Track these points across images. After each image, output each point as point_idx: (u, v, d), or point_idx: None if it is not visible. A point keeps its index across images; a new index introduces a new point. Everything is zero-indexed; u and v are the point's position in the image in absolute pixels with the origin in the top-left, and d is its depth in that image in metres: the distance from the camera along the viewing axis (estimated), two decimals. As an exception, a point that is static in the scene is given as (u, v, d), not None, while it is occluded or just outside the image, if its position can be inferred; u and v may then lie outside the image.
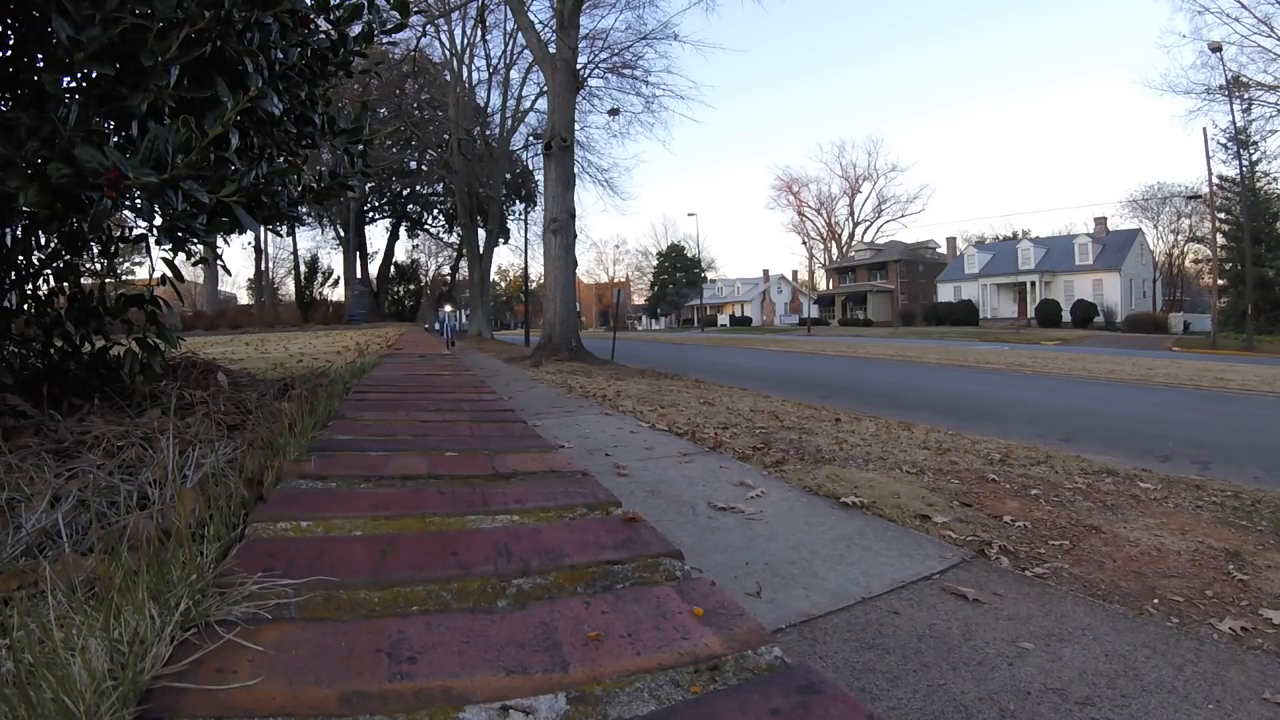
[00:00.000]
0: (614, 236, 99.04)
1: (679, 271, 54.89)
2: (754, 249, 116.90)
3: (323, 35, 2.36)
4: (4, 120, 1.48)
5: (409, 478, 1.27)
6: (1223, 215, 27.86)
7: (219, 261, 2.40)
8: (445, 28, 21.09)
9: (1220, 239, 27.23)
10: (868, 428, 4.47)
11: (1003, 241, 47.68)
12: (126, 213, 1.96)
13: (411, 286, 35.69)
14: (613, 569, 0.87)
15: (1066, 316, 35.08)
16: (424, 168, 26.41)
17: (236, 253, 59.94)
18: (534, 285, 22.49)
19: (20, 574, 0.81)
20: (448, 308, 16.06)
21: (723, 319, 56.53)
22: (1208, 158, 23.25)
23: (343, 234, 30.22)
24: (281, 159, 2.57)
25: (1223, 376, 9.95)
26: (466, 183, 22.29)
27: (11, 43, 1.69)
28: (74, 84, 1.64)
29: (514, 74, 22.98)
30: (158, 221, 1.74)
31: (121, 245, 2.15)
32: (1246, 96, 24.32)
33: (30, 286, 1.95)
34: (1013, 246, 42.27)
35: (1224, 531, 2.35)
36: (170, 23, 1.53)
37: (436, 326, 17.14)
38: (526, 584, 0.82)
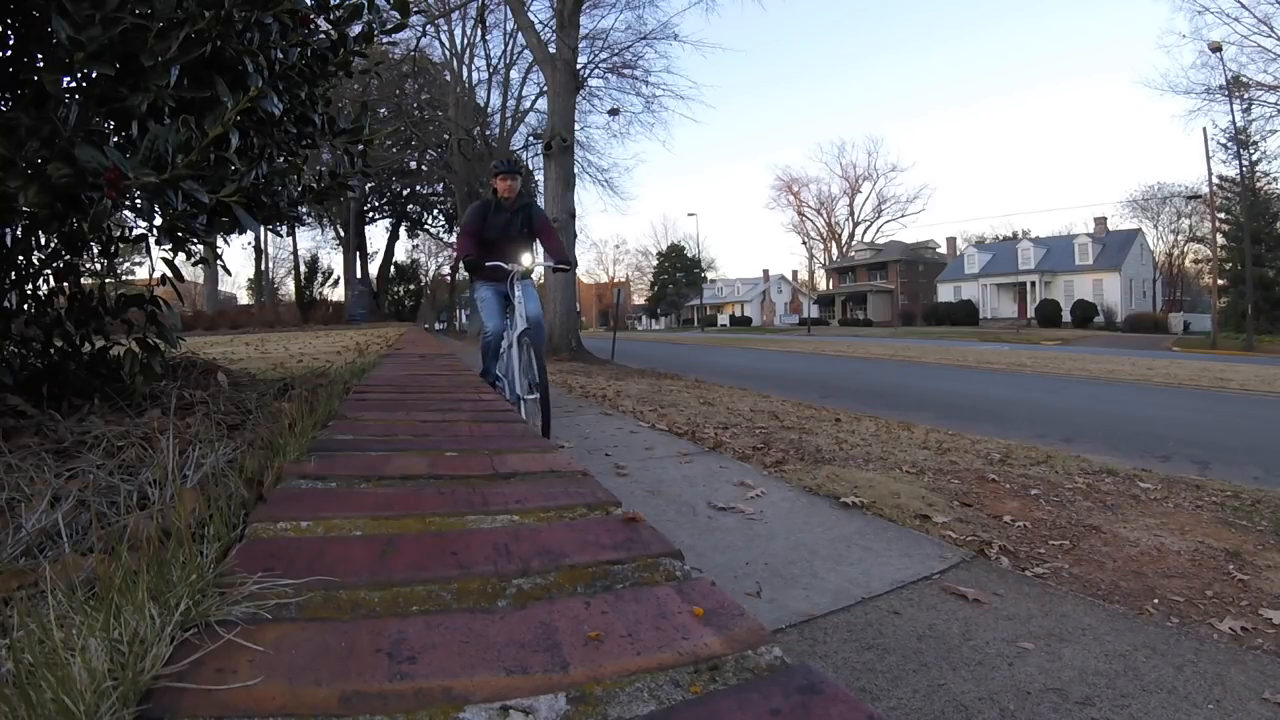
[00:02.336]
0: (614, 236, 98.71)
1: (679, 271, 54.89)
2: (754, 249, 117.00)
3: (323, 35, 2.36)
4: (4, 120, 1.48)
5: (409, 478, 1.27)
6: (1223, 215, 27.86)
7: (219, 261, 2.40)
8: (445, 28, 21.12)
9: (1220, 239, 27.22)
10: (868, 428, 4.47)
11: (1003, 241, 47.67)
12: (126, 213, 1.96)
13: (411, 286, 35.70)
14: (613, 569, 0.87)
15: (1066, 316, 35.08)
16: (424, 168, 26.41)
17: (236, 253, 59.83)
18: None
19: (20, 574, 0.81)
20: (524, 262, 3.42)
21: (723, 319, 56.53)
22: (1208, 158, 23.26)
23: (343, 234, 30.24)
24: (281, 159, 2.57)
25: (1223, 376, 9.94)
26: (466, 183, 22.30)
27: (11, 43, 1.69)
28: (74, 84, 1.64)
29: (514, 74, 23.00)
30: (158, 221, 1.74)
31: (121, 245, 2.15)
32: (1246, 96, 24.32)
33: (30, 286, 1.95)
34: (1013, 246, 42.27)
35: (1224, 531, 2.35)
36: (170, 23, 1.53)
37: (482, 331, 3.71)
38: (526, 584, 0.82)
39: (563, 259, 3.64)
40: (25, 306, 1.92)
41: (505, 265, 3.34)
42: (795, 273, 62.92)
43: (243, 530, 0.95)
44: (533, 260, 3.51)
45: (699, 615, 0.75)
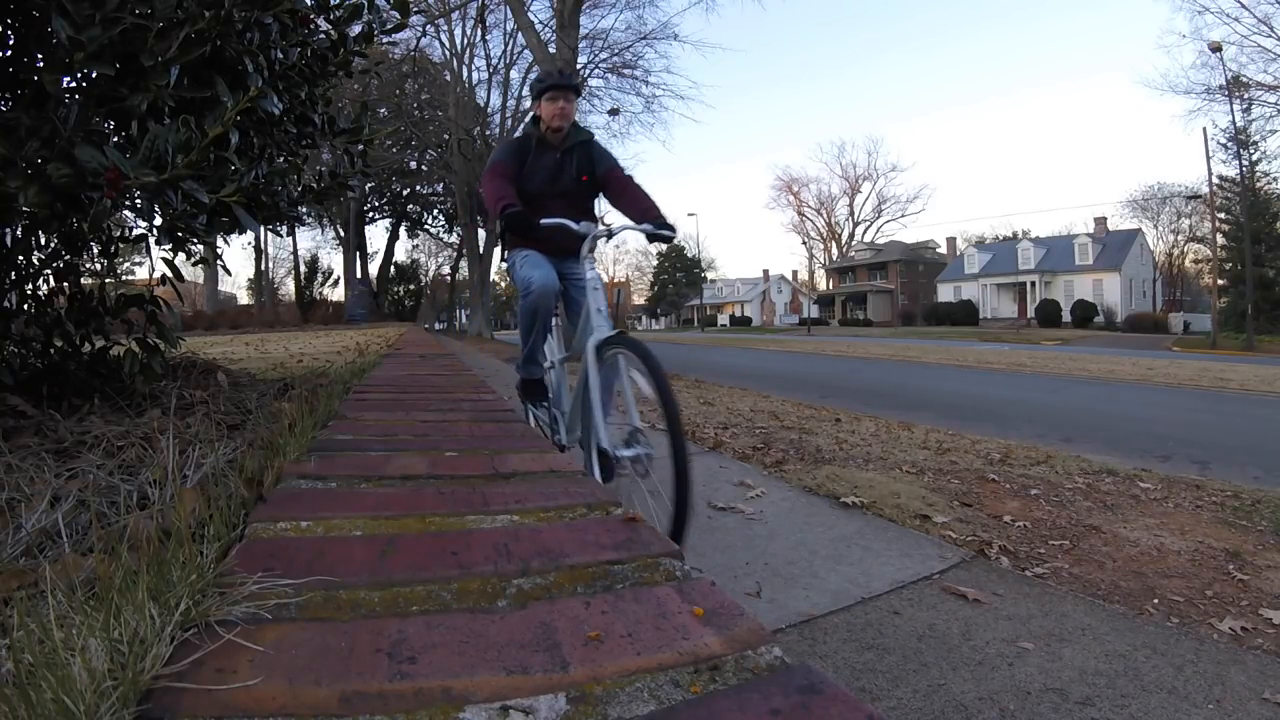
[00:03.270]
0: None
1: (679, 271, 54.89)
2: (754, 249, 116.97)
3: (323, 35, 2.37)
4: (4, 120, 1.48)
5: (409, 478, 1.27)
6: (1223, 215, 27.85)
7: (219, 261, 2.40)
8: (445, 28, 21.10)
9: (1220, 239, 27.22)
10: (868, 427, 4.47)
11: (1003, 241, 47.67)
12: (126, 213, 1.96)
13: (411, 286, 35.70)
14: (613, 569, 0.87)
15: (1066, 316, 35.09)
16: (424, 168, 26.41)
17: (236, 253, 59.81)
18: (534, 285, 22.40)
19: (20, 574, 0.81)
20: (608, 221, 2.27)
21: (723, 319, 56.57)
22: (1208, 158, 23.27)
23: (343, 234, 30.25)
24: (281, 159, 2.57)
25: (1223, 376, 9.94)
26: (466, 182, 22.30)
27: (11, 43, 1.70)
28: (74, 84, 1.64)
29: (514, 74, 22.98)
30: (158, 221, 1.74)
31: (121, 245, 2.15)
32: (1246, 96, 24.33)
33: (30, 286, 1.95)
34: (1013, 246, 42.27)
35: (1224, 531, 2.35)
36: (170, 23, 1.53)
37: (525, 290, 2.22)
38: (526, 584, 0.82)
39: (662, 219, 2.20)
40: (25, 306, 1.92)
41: (574, 225, 2.04)
42: (795, 273, 62.99)
43: (243, 530, 0.95)
44: (616, 220, 2.22)
45: (699, 615, 0.75)
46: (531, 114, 2.38)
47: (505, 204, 2.06)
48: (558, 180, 2.34)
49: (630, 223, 2.24)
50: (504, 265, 2.42)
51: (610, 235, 2.16)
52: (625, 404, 1.84)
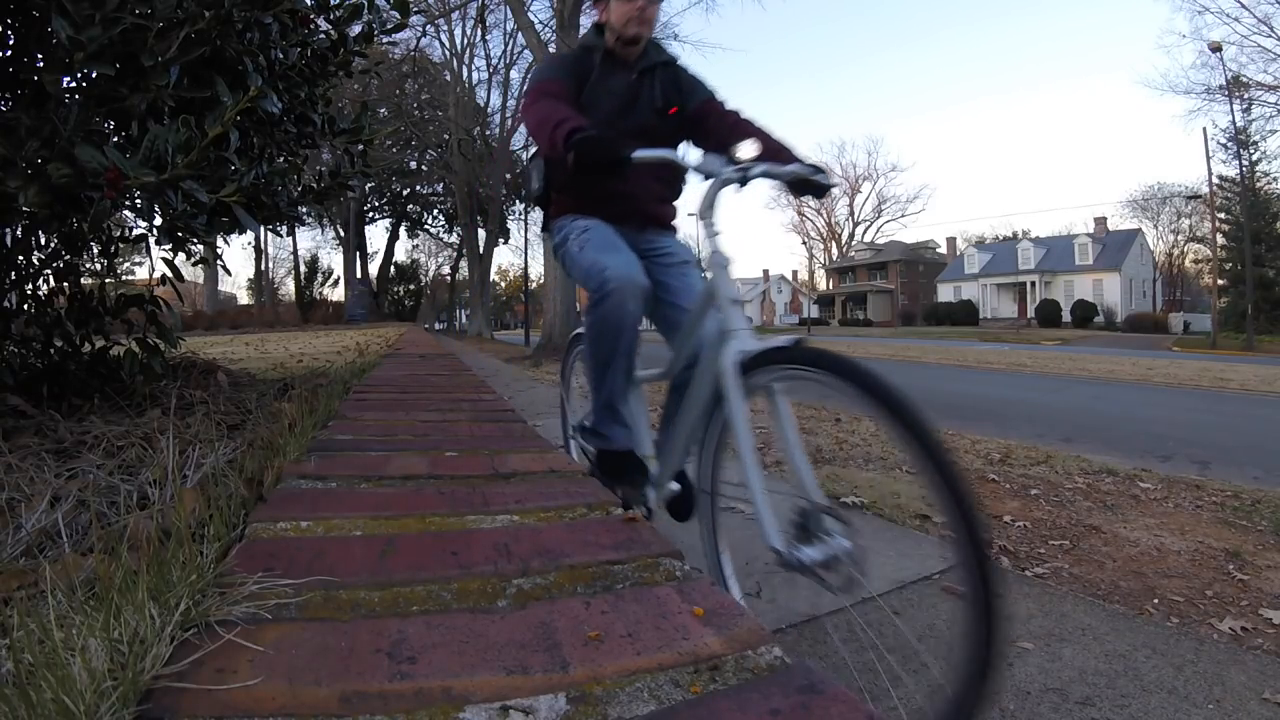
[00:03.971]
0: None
1: (679, 271, 54.78)
2: (754, 249, 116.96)
3: (323, 35, 2.37)
4: (4, 120, 1.48)
5: (409, 478, 1.27)
6: (1223, 215, 27.86)
7: (219, 261, 2.40)
8: (445, 28, 21.10)
9: (1220, 239, 27.23)
10: (868, 427, 4.47)
11: (1003, 241, 47.67)
12: (126, 213, 1.96)
13: (411, 286, 35.71)
14: (613, 569, 0.87)
15: (1066, 316, 35.09)
16: (424, 168, 26.42)
17: (236, 253, 59.79)
18: (534, 285, 22.47)
19: (20, 574, 0.81)
20: (742, 153, 1.26)
21: (723, 319, 56.44)
22: (1208, 158, 23.29)
23: (343, 234, 30.25)
24: (281, 159, 2.57)
25: (1223, 376, 9.94)
26: (466, 183, 22.30)
27: (11, 43, 1.70)
28: (74, 84, 1.64)
29: (514, 74, 22.96)
30: (158, 221, 1.74)
31: (121, 245, 2.15)
32: (1246, 96, 24.32)
33: (30, 286, 1.95)
34: (1013, 246, 42.28)
35: (1224, 531, 2.35)
36: (170, 23, 1.53)
37: (599, 279, 1.35)
38: (526, 584, 0.82)
39: (800, 159, 1.47)
40: (25, 306, 1.92)
41: (686, 161, 1.33)
42: (795, 273, 62.91)
43: (243, 530, 0.95)
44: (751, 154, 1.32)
45: (699, 615, 0.75)
46: (596, 23, 1.63)
47: (573, 125, 1.26)
48: (632, 111, 1.59)
49: (769, 164, 1.32)
50: (549, 237, 1.70)
51: (745, 180, 1.29)
52: (791, 464, 1.15)
